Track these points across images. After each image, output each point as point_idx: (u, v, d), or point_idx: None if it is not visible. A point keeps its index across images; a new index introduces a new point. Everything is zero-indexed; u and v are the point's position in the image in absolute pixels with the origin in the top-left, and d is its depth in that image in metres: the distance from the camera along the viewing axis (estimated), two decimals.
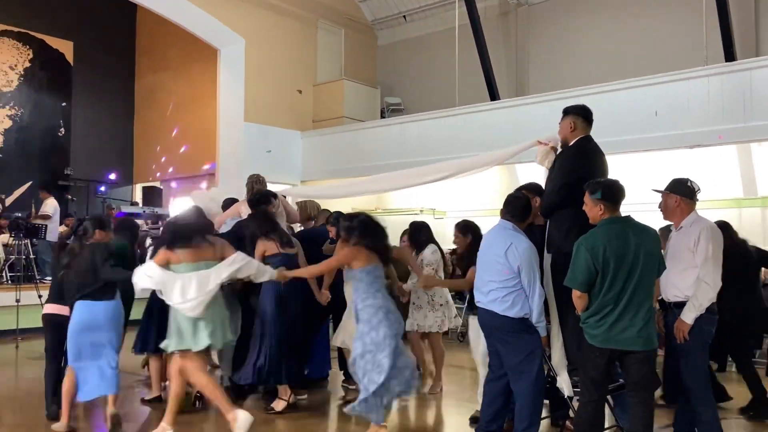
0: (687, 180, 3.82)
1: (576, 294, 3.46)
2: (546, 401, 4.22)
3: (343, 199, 8.46)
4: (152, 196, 12.33)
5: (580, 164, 3.97)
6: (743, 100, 7.75)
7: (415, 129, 11.10)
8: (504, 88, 11.39)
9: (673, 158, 8.45)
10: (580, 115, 4.08)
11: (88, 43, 13.30)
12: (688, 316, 3.64)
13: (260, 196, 5.45)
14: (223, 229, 5.71)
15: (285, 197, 6.14)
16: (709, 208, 7.06)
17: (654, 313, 3.41)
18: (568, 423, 4.15)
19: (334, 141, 12.20)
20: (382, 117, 12.90)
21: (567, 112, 4.12)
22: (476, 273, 4.05)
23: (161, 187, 12.95)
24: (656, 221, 4.04)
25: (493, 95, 10.97)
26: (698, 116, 8.01)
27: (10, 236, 9.27)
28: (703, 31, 9.11)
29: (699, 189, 3.81)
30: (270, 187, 6.05)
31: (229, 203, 6.14)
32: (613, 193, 3.47)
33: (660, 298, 3.93)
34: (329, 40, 13.05)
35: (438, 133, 10.60)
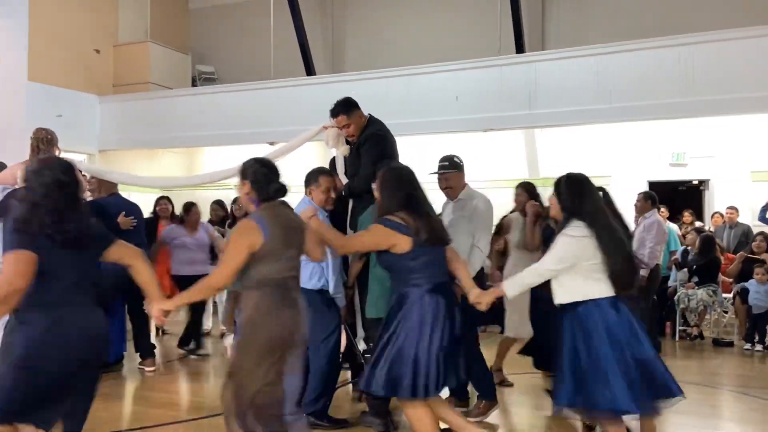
0: (454, 156, 4.16)
1: None
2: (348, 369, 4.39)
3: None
4: None
5: (386, 149, 4.14)
6: (529, 90, 8.66)
7: (228, 100, 10.68)
8: (321, 64, 11.41)
9: (470, 141, 9.21)
10: (355, 106, 4.21)
11: None
12: None
13: None
14: None
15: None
16: (498, 188, 7.84)
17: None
18: None
19: (138, 108, 11.26)
20: (194, 86, 12.21)
21: (347, 109, 4.19)
22: None
23: None
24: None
25: (309, 70, 10.94)
26: (491, 102, 8.79)
27: None
28: (498, 24, 9.97)
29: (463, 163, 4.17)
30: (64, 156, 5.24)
31: None
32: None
33: None
34: None
35: (253, 106, 10.31)
